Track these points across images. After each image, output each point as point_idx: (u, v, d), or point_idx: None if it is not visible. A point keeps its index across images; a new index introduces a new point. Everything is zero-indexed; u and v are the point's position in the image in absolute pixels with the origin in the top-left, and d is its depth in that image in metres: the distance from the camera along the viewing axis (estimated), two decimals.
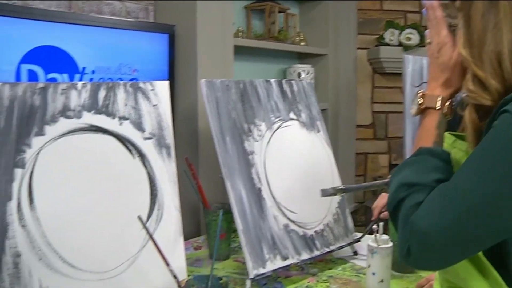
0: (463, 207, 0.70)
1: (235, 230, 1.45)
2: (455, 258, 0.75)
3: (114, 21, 1.83)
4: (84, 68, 1.74)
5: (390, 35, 2.98)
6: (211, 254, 1.57)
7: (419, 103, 0.91)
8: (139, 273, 1.18)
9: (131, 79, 1.85)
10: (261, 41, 2.43)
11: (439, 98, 0.89)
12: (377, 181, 1.30)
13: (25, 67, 1.60)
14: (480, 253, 0.78)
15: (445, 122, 0.90)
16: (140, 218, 1.15)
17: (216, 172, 1.94)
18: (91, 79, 1.75)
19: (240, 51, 2.27)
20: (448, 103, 0.90)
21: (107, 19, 1.81)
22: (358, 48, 3.00)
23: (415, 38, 2.93)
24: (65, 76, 1.70)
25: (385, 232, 1.31)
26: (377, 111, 3.10)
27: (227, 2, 2.07)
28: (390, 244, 1.29)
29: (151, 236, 1.07)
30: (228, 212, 1.54)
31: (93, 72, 1.77)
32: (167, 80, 1.53)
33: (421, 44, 2.89)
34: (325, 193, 1.33)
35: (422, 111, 0.91)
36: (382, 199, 1.46)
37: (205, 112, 1.97)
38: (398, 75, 2.75)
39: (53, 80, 1.67)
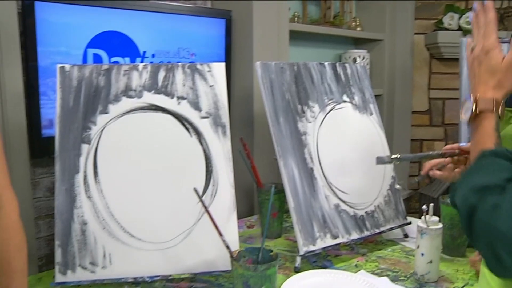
0: None
1: (287, 211, 1.49)
2: None
3: (174, 7, 1.89)
4: (144, 52, 1.82)
5: (449, 19, 2.91)
6: (263, 232, 1.61)
7: (473, 108, 0.91)
8: (194, 245, 1.24)
9: (189, 63, 1.92)
10: (317, 26, 2.44)
11: (493, 101, 0.89)
12: (432, 152, 1.28)
13: (91, 51, 1.70)
14: None
15: (499, 123, 0.90)
16: (196, 190, 1.20)
17: (270, 154, 1.99)
18: (151, 63, 1.82)
19: (296, 36, 2.29)
20: (501, 104, 0.90)
21: (167, 5, 1.87)
22: (415, 33, 2.96)
23: None
24: (127, 59, 1.78)
25: (435, 213, 1.32)
26: (433, 97, 3.05)
27: None
28: (440, 225, 1.30)
29: (206, 209, 1.12)
30: (280, 191, 1.59)
31: (153, 56, 1.84)
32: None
33: None
34: (380, 160, 1.32)
35: (476, 116, 0.91)
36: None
37: (260, 95, 2.03)
38: (457, 60, 2.69)
39: (116, 63, 1.75)
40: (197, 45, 1.95)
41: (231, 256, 1.05)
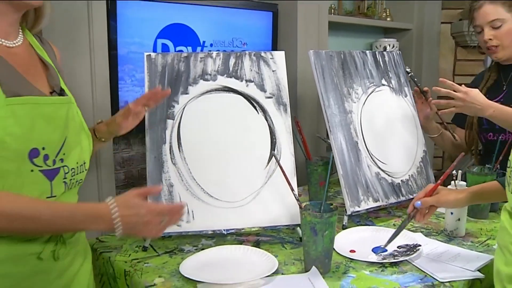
0: None
1: (330, 181, 1.72)
2: None
3: (229, 2, 2.13)
4: (204, 42, 2.08)
5: None
6: (311, 199, 1.86)
7: None
8: (262, 203, 1.49)
9: (241, 51, 2.16)
10: (352, 17, 2.67)
11: None
12: (405, 221, 1.45)
13: (160, 41, 1.96)
14: None
15: None
16: (274, 154, 1.46)
17: (312, 132, 2.24)
18: (209, 51, 2.07)
19: (332, 27, 2.52)
20: None
21: (223, 1, 2.12)
22: (442, 23, 3.16)
23: None
24: (189, 48, 2.04)
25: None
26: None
27: None
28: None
29: (278, 163, 1.35)
30: (326, 163, 1.83)
31: (211, 45, 2.10)
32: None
33: None
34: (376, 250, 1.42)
35: None
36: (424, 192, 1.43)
37: (304, 79, 2.26)
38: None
39: (180, 51, 2.01)
40: (248, 35, 2.20)
41: (300, 207, 1.29)
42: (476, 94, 1.63)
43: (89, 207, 1.04)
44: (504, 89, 1.83)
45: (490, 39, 1.75)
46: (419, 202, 1.34)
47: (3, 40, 1.06)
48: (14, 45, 1.09)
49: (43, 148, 1.02)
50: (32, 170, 1.00)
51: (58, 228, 1.03)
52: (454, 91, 1.63)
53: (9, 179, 0.97)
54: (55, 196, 1.05)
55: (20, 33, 1.13)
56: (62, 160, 1.06)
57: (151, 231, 1.09)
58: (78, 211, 1.03)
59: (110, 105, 1.77)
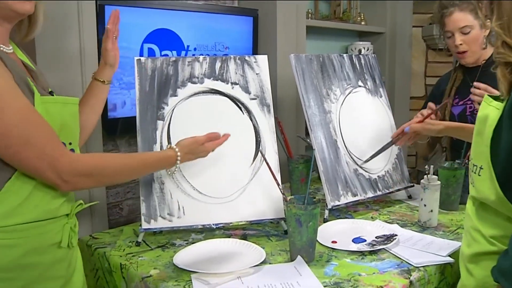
0: None
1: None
2: None
3: (211, 7, 2.22)
4: (188, 46, 2.15)
5: None
6: (293, 195, 1.95)
7: None
8: (248, 199, 1.58)
9: (223, 55, 2.25)
10: (328, 21, 2.78)
11: None
12: (386, 144, 1.74)
13: (146, 46, 2.03)
14: None
15: None
16: (260, 152, 1.56)
17: (292, 132, 2.34)
18: (193, 55, 2.15)
19: (310, 30, 2.62)
20: None
21: (205, 5, 2.20)
22: (414, 26, 3.29)
23: None
24: (174, 52, 2.12)
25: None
26: (429, 84, 3.40)
27: None
28: (438, 182, 1.64)
29: (265, 159, 1.46)
30: (306, 161, 1.93)
31: (195, 49, 2.18)
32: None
33: None
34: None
35: None
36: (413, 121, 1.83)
37: (283, 81, 2.36)
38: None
39: (166, 56, 2.08)
40: (230, 40, 2.28)
41: (286, 200, 1.39)
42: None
43: (166, 155, 1.37)
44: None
45: (461, 44, 1.89)
46: (408, 127, 1.72)
47: (3, 47, 1.13)
48: (10, 51, 1.16)
49: (70, 143, 1.17)
50: None
51: (137, 173, 1.37)
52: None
53: None
54: None
55: (8, 39, 1.20)
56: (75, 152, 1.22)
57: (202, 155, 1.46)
58: (160, 158, 1.37)
59: None
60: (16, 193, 1.06)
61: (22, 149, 1.03)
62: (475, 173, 1.11)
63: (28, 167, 1.05)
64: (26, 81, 1.09)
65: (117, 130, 1.99)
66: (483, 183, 1.07)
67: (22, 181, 1.06)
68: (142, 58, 1.64)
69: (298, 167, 1.92)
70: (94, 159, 1.17)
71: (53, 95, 1.22)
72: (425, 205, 1.64)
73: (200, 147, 1.43)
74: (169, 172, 1.54)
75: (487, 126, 1.07)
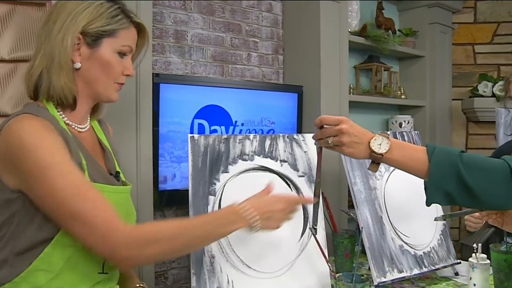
0: None
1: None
2: None
3: (257, 84, 2.34)
4: (236, 121, 2.26)
5: (484, 87, 3.30)
6: (337, 270, 1.97)
7: None
8: (295, 274, 1.61)
9: (269, 130, 2.34)
10: (369, 96, 2.86)
11: None
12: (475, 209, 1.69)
13: (197, 121, 2.14)
14: None
15: None
16: (311, 229, 1.60)
17: (335, 207, 2.37)
18: (240, 131, 2.25)
19: (352, 105, 2.70)
20: None
21: (253, 83, 2.32)
22: (453, 99, 3.35)
23: None
24: (223, 128, 2.22)
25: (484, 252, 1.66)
26: None
27: (344, 65, 2.54)
28: (487, 261, 1.64)
29: (315, 237, 1.50)
30: (351, 236, 1.96)
31: (242, 124, 2.28)
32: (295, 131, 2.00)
33: None
34: (436, 219, 1.73)
35: None
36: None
37: (326, 157, 2.41)
38: (491, 123, 3.05)
39: (215, 131, 2.18)
40: (275, 115, 2.38)
41: (335, 278, 1.41)
42: None
43: (227, 211, 1.30)
44: None
45: None
46: None
47: (77, 125, 1.24)
48: (83, 130, 1.27)
49: None
50: None
51: (205, 236, 1.27)
52: None
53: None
54: None
55: (88, 117, 1.31)
56: None
57: (283, 218, 1.35)
58: (220, 215, 1.32)
59: (152, 180, 1.93)
60: None
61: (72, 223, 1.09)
62: None
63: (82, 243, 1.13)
64: (81, 163, 1.17)
65: (168, 202, 2.07)
66: None
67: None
68: (196, 135, 1.73)
69: (343, 242, 1.95)
70: (150, 225, 1.23)
71: (118, 176, 1.30)
72: (474, 285, 1.63)
73: (271, 200, 1.35)
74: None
75: None
